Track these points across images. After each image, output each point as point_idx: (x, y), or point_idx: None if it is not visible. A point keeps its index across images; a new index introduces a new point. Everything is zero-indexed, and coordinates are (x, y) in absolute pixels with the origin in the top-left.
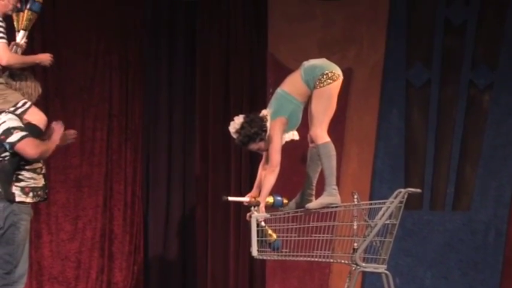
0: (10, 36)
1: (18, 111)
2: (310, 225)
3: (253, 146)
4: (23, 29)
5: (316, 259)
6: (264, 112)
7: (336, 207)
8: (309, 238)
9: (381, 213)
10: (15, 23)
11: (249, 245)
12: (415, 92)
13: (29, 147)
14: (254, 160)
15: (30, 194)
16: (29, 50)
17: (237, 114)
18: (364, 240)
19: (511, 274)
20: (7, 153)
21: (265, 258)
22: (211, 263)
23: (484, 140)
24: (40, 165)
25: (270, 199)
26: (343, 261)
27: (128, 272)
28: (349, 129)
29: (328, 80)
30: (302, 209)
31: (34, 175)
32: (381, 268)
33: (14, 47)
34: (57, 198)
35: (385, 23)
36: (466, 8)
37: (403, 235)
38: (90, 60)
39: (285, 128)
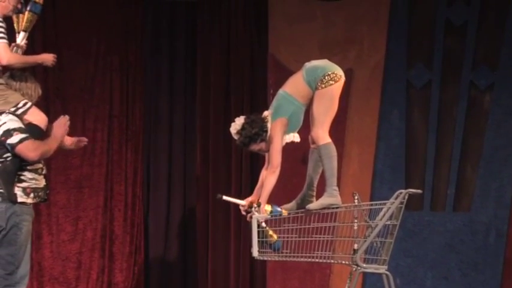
0: (10, 37)
1: (19, 112)
2: (311, 226)
3: (254, 147)
4: (23, 31)
5: (317, 260)
6: (265, 113)
7: (337, 208)
8: (309, 239)
9: (381, 214)
10: (15, 25)
11: (250, 245)
12: (416, 93)
13: (29, 150)
14: (254, 161)
15: (31, 195)
16: (29, 51)
17: (238, 115)
18: (365, 241)
19: None
20: (9, 154)
21: (265, 259)
22: (211, 263)
23: (485, 140)
24: (41, 165)
25: (269, 207)
26: (343, 262)
27: (128, 273)
28: (350, 130)
29: (330, 81)
30: (303, 210)
31: (35, 175)
32: (382, 269)
33: (15, 48)
34: (57, 199)
35: (386, 24)
36: (467, 9)
37: (403, 236)
38: (90, 61)
39: (286, 129)
